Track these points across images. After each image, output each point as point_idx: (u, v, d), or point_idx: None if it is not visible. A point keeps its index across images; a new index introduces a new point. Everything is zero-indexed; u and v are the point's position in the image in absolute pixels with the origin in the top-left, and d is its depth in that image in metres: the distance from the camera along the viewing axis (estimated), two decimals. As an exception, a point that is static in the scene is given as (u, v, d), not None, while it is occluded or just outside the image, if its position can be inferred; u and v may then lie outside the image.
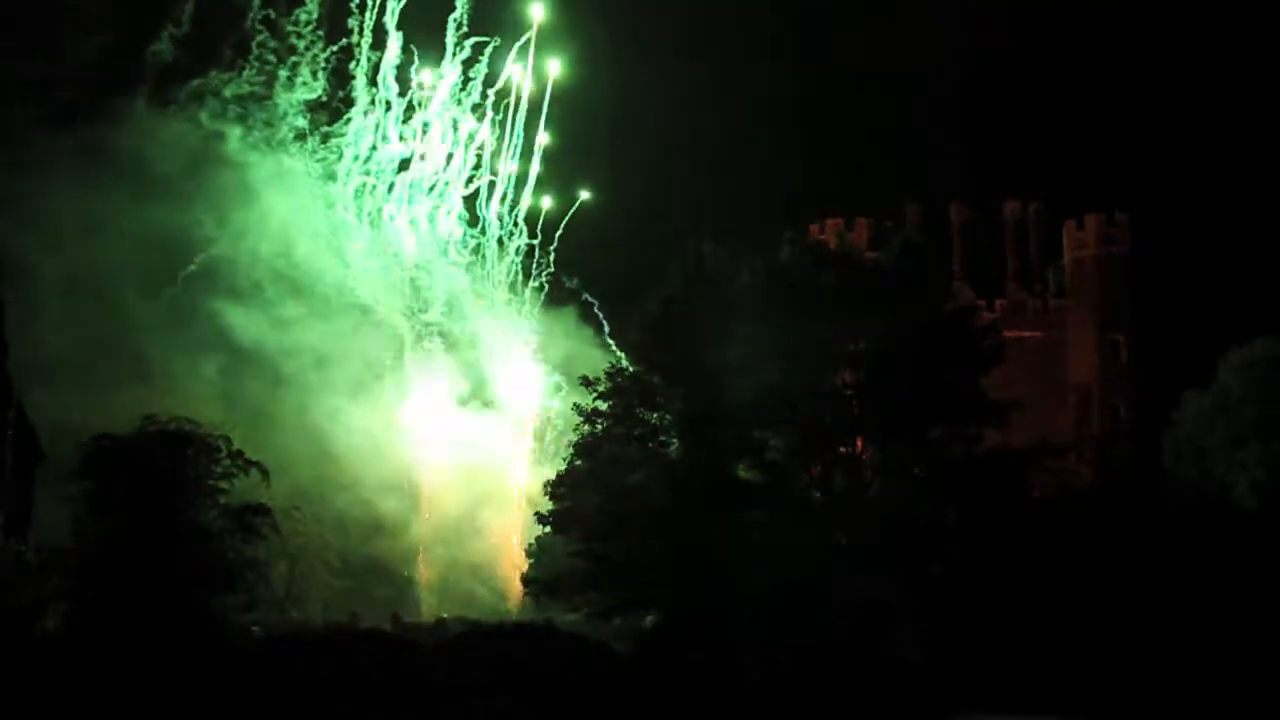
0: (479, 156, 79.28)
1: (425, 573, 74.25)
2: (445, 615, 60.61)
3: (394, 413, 74.67)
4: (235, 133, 72.77)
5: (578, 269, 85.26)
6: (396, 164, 77.60)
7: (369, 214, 77.27)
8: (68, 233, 63.53)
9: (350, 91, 75.07)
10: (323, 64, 73.97)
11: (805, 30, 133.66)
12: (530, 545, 60.99)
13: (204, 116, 72.26)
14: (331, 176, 75.94)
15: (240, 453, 37.91)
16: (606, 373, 42.23)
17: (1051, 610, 35.46)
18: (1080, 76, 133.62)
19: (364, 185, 76.80)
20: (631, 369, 42.22)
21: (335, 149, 75.72)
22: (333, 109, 75.49)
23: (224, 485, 37.41)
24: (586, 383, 41.68)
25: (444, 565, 74.09)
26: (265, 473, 38.97)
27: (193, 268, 69.79)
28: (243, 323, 68.81)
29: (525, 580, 45.60)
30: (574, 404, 42.71)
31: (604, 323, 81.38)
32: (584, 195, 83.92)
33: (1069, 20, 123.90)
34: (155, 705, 30.27)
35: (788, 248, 43.30)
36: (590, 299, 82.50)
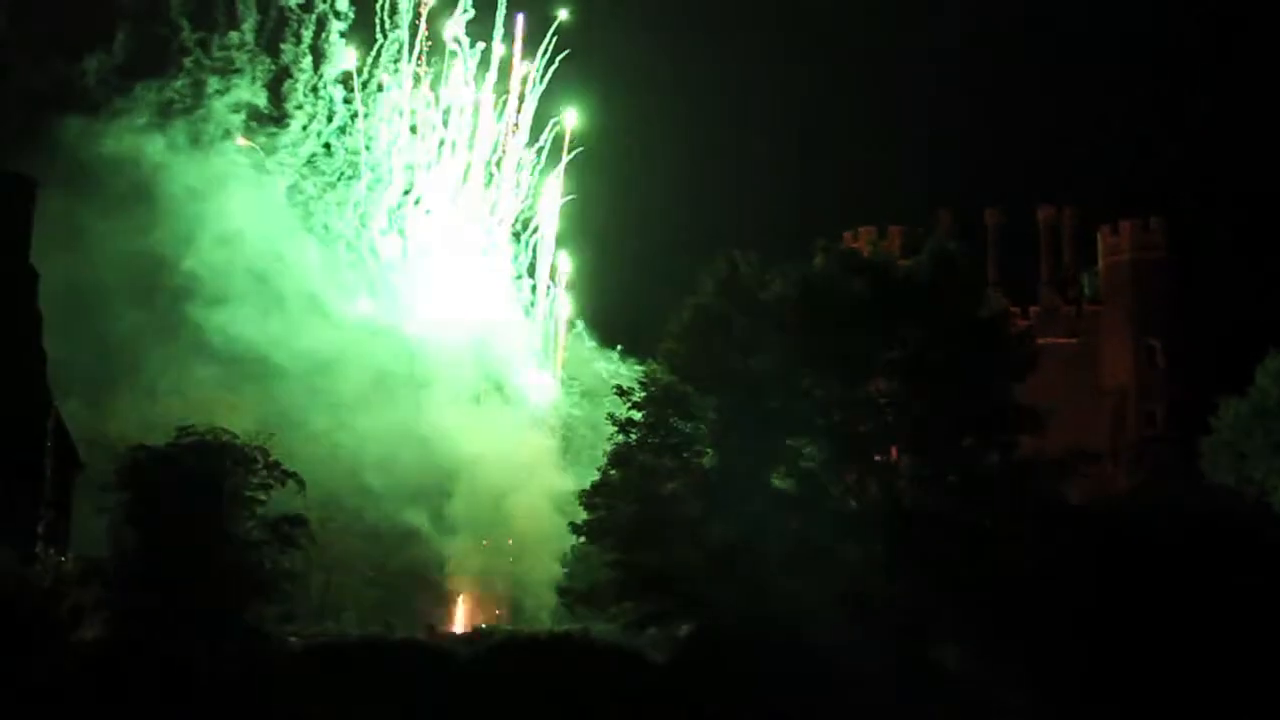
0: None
1: (459, 581, 74.04)
2: (483, 625, 60.61)
3: (413, 417, 74.22)
4: (177, 142, 72.44)
5: (591, 286, 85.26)
6: (339, 174, 77.27)
7: (328, 225, 76.92)
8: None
9: (288, 103, 74.98)
10: (261, 79, 74.21)
11: (838, 38, 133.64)
12: (565, 555, 61.00)
13: (144, 130, 72.00)
14: (265, 171, 75.58)
15: (277, 463, 38.06)
16: (640, 382, 42.17)
17: (1088, 616, 35.26)
18: (1115, 81, 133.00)
19: (318, 193, 76.45)
20: (653, 377, 41.91)
21: (271, 148, 75.49)
22: (274, 118, 75.49)
23: (261, 496, 37.60)
24: (621, 392, 41.67)
25: (477, 572, 73.89)
26: (302, 483, 39.12)
27: (185, 266, 69.50)
28: (234, 331, 68.14)
29: (561, 590, 45.53)
30: (608, 414, 42.61)
31: (584, 333, 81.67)
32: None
33: (1103, 25, 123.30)
34: (193, 716, 30.41)
35: (821, 256, 43.08)
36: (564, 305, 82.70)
